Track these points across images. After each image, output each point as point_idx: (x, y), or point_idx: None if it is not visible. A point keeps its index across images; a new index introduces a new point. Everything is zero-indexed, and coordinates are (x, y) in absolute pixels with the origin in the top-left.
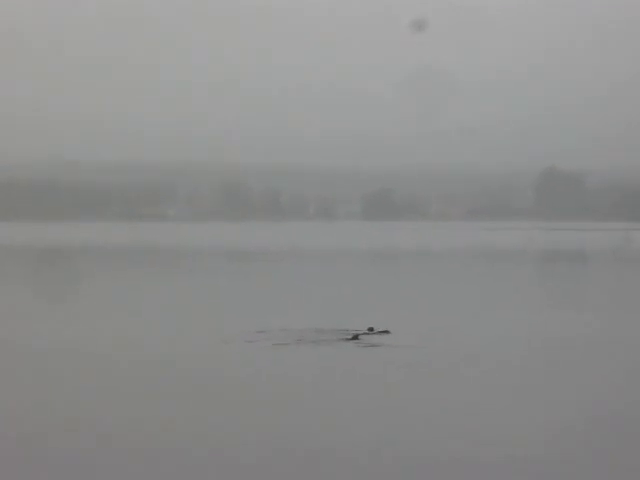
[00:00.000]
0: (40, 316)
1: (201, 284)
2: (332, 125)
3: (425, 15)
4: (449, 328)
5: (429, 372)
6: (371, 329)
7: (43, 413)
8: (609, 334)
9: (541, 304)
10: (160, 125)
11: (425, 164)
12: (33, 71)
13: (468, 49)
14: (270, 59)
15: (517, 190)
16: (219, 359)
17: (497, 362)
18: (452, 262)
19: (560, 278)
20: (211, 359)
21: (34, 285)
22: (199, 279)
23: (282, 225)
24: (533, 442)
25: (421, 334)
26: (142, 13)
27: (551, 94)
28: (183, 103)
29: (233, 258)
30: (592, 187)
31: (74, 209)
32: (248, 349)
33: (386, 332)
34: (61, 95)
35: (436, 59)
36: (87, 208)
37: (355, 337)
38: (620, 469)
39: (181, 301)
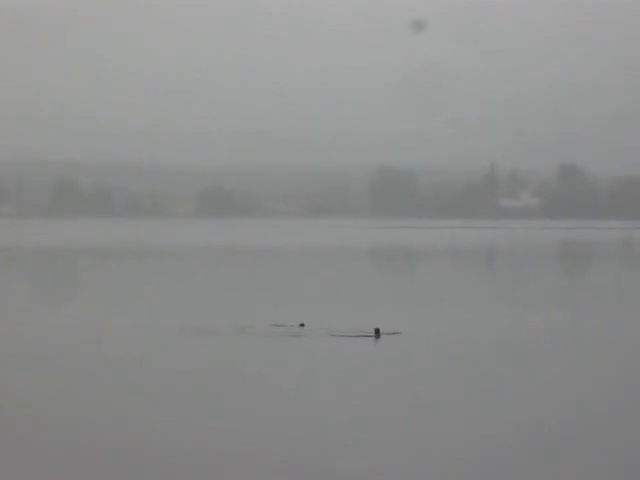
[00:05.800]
0: None
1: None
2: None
3: (426, 15)
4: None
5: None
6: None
7: None
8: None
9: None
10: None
11: (262, 162)
12: None
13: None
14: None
15: (354, 189)
16: None
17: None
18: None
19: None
20: None
21: None
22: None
23: (113, 222)
24: None
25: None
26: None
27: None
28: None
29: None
30: (425, 185)
31: None
32: None
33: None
34: None
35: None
36: None
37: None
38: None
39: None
